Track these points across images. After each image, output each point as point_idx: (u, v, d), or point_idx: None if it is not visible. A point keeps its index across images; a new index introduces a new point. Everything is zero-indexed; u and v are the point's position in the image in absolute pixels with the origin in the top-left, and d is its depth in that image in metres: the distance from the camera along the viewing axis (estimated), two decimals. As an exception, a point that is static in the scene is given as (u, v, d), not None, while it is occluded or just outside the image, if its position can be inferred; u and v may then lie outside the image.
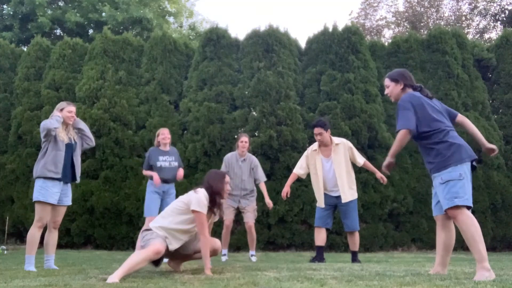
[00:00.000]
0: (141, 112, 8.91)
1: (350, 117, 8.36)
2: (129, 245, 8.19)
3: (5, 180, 8.99)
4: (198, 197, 3.50)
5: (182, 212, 3.53)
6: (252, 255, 5.88)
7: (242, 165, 5.81)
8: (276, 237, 8.12)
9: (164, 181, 5.61)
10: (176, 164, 5.73)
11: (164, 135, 5.76)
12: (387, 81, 3.60)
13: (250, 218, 5.88)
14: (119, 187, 8.43)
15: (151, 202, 5.63)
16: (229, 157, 5.89)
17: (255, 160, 5.94)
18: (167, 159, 5.68)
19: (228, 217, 5.81)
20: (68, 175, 4.35)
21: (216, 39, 9.01)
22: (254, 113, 8.62)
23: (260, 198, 8.33)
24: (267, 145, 8.12)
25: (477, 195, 8.49)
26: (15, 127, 9.13)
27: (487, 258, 2.92)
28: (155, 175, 5.53)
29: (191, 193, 3.61)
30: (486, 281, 2.72)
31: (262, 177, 5.92)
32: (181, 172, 5.75)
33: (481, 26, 19.40)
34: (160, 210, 5.45)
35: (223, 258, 5.76)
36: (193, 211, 3.46)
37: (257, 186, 5.97)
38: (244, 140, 5.81)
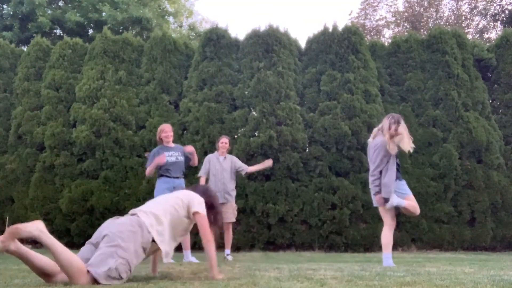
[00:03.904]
0: (141, 112, 8.91)
1: (350, 117, 8.36)
2: (129, 245, 8.20)
3: (5, 180, 8.99)
4: (198, 197, 3.16)
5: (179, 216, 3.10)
6: (227, 254, 5.97)
7: (223, 163, 6.06)
8: (276, 237, 8.12)
9: (174, 177, 5.62)
10: (182, 158, 5.73)
11: (166, 133, 5.75)
12: None
13: (228, 217, 6.05)
14: (119, 187, 8.44)
15: None
16: (210, 156, 6.19)
17: (235, 158, 6.27)
18: (173, 154, 5.68)
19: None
20: None
21: (216, 39, 9.01)
22: (254, 113, 8.62)
23: (260, 199, 8.34)
24: (267, 145, 8.12)
25: (477, 195, 8.49)
26: (15, 127, 9.13)
27: None
28: (161, 156, 5.50)
29: (188, 194, 3.21)
30: (486, 281, 2.72)
31: (246, 167, 6.20)
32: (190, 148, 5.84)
33: (481, 26, 19.41)
34: None
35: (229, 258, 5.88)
36: (196, 213, 3.07)
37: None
38: (224, 141, 6.12)
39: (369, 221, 8.25)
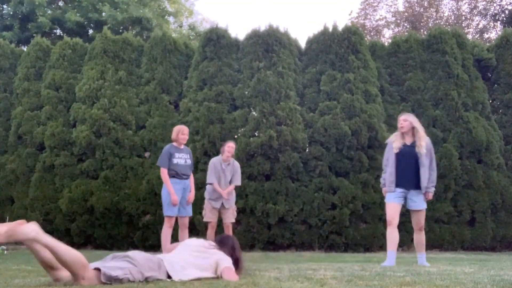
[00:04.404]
0: (141, 112, 8.91)
1: (350, 117, 8.36)
2: (129, 245, 8.20)
3: (5, 180, 8.99)
4: (226, 257, 3.15)
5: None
6: None
7: (225, 169, 6.09)
8: (276, 237, 8.12)
9: (184, 178, 5.68)
10: (190, 161, 5.78)
11: (185, 135, 5.79)
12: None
13: (229, 218, 6.13)
14: (119, 187, 8.44)
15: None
16: (214, 161, 6.14)
17: (237, 165, 6.26)
18: (183, 156, 5.73)
19: (213, 219, 6.10)
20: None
21: (216, 39, 9.01)
22: (254, 113, 8.62)
23: (260, 199, 8.34)
24: (267, 145, 8.12)
25: (477, 195, 8.49)
26: (15, 127, 9.13)
27: None
28: (173, 194, 5.51)
29: (213, 252, 3.18)
30: (486, 281, 2.72)
31: (238, 181, 6.21)
32: (191, 196, 5.79)
33: (481, 26, 19.42)
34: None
35: None
36: (224, 269, 3.04)
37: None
38: (231, 146, 6.11)
39: (369, 221, 8.25)
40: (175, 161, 5.64)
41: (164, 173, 5.65)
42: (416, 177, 4.71)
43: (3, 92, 9.64)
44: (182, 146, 5.81)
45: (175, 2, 18.52)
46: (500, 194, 8.55)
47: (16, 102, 9.43)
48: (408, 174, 4.70)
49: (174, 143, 5.76)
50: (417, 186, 4.72)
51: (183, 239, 5.65)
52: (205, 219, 6.14)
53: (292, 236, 8.14)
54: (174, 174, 5.64)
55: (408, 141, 4.76)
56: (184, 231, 5.77)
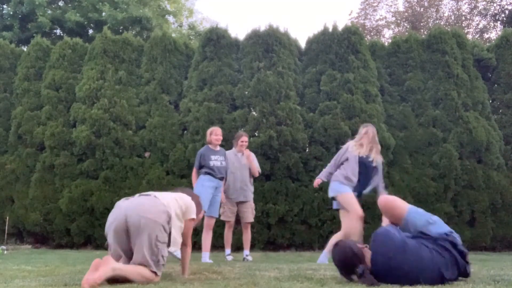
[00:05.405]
0: (141, 112, 8.91)
1: (350, 117, 8.36)
2: (129, 245, 8.19)
3: (5, 180, 8.99)
4: (193, 205, 3.29)
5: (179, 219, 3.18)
6: (247, 255, 5.91)
7: (241, 159, 5.95)
8: (276, 237, 8.12)
9: (219, 178, 5.69)
10: (225, 163, 5.76)
11: (217, 135, 5.76)
12: None
13: (248, 218, 5.99)
14: (119, 187, 8.44)
15: (206, 198, 5.44)
16: (228, 153, 6.02)
17: (253, 155, 6.15)
18: (218, 159, 5.72)
19: (232, 219, 5.94)
20: None
21: (216, 39, 9.01)
22: (254, 113, 8.62)
23: (260, 199, 8.32)
24: (267, 145, 8.12)
25: (477, 195, 8.48)
26: (15, 127, 9.13)
27: None
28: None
29: (184, 197, 3.29)
30: (486, 281, 2.72)
31: (255, 169, 6.07)
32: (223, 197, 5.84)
33: (481, 26, 19.42)
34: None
35: (229, 258, 5.82)
36: (191, 220, 3.22)
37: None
38: (244, 140, 6.00)
39: (369, 221, 8.23)
40: (211, 163, 5.62)
41: (193, 172, 5.75)
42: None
43: (3, 92, 9.64)
44: (218, 148, 5.78)
45: (175, 1, 18.53)
46: (500, 194, 8.55)
47: (16, 102, 9.43)
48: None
49: (210, 145, 5.75)
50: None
51: (206, 242, 5.60)
52: (223, 218, 5.95)
53: (292, 236, 8.13)
54: (209, 172, 5.62)
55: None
56: (208, 233, 5.67)
